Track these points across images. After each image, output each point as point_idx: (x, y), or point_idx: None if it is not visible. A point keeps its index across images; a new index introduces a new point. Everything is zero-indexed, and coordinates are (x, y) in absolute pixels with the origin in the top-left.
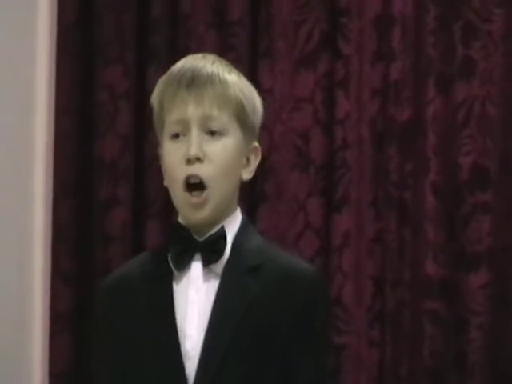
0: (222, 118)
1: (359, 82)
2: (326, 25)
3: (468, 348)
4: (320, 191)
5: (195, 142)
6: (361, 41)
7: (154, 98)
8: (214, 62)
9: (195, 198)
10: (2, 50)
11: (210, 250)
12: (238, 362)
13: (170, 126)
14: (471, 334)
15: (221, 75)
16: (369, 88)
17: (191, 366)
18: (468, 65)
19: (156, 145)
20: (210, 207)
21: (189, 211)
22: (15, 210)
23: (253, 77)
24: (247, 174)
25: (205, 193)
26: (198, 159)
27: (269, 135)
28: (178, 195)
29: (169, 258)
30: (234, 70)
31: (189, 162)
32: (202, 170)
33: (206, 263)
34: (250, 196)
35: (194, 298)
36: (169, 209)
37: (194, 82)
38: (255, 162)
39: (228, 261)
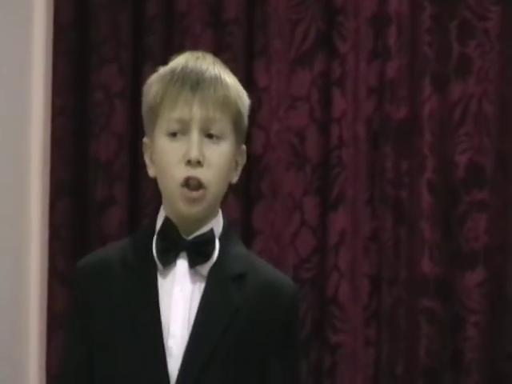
0: (222, 122)
1: (355, 81)
2: (322, 23)
3: (464, 346)
4: (316, 190)
5: (196, 144)
6: (357, 39)
7: (153, 92)
8: (214, 64)
9: (193, 192)
10: None
11: (197, 252)
12: (221, 366)
13: (169, 124)
14: (467, 333)
15: (223, 78)
16: (365, 87)
17: (174, 363)
18: (464, 63)
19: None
20: (205, 204)
21: (183, 204)
22: (11, 210)
23: (249, 76)
24: (235, 177)
25: (201, 190)
26: (199, 163)
27: (265, 134)
28: (173, 189)
29: (154, 251)
30: (228, 71)
31: (189, 163)
32: (202, 174)
33: (193, 264)
34: (246, 195)
35: (179, 296)
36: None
37: (199, 86)
38: (241, 164)
39: (215, 264)
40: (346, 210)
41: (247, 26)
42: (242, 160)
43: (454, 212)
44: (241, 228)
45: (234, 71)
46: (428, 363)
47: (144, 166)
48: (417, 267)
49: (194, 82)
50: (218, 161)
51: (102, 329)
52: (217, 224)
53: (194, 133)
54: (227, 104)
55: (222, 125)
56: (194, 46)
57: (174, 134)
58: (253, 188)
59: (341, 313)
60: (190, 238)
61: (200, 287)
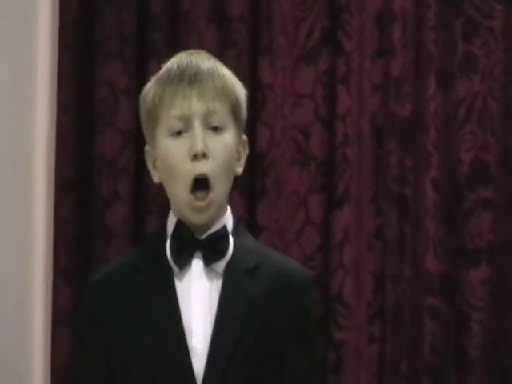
0: (222, 112)
1: (360, 78)
2: (327, 21)
3: (468, 344)
4: (320, 187)
5: (200, 137)
6: (362, 37)
7: (151, 96)
8: (209, 58)
9: (200, 202)
10: (3, 47)
11: (212, 249)
12: (245, 360)
13: (171, 123)
14: (472, 330)
15: (219, 69)
16: (370, 84)
17: (198, 363)
18: (469, 61)
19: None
20: (213, 209)
21: (192, 214)
22: (16, 207)
23: (253, 73)
24: (239, 168)
25: (209, 195)
26: (204, 155)
27: (269, 131)
28: (181, 195)
29: (168, 255)
30: (222, 65)
31: (195, 157)
32: (208, 167)
33: (208, 262)
34: (251, 192)
35: (198, 296)
36: (169, 205)
37: (197, 78)
38: (244, 155)
39: (229, 260)
40: (350, 207)
41: (252, 23)
42: (245, 151)
43: (458, 209)
44: (245, 225)
45: (239, 68)
46: (432, 360)
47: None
48: (421, 264)
49: (191, 76)
50: (221, 152)
51: (122, 338)
52: (228, 219)
53: (197, 126)
54: (225, 94)
55: (222, 115)
56: (199, 43)
57: (177, 133)
58: (257, 185)
59: (345, 310)
60: (204, 236)
61: (217, 284)
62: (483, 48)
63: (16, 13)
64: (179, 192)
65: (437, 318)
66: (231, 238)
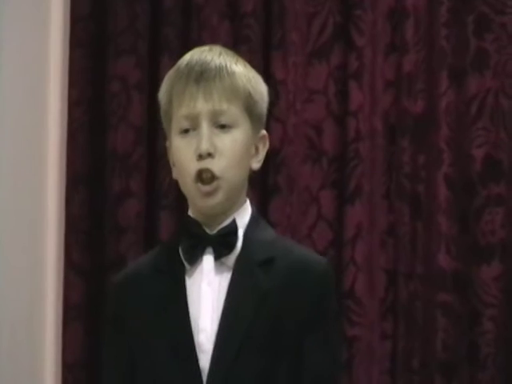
0: (231, 111)
1: (372, 74)
2: (340, 17)
3: (481, 340)
4: (333, 183)
5: (206, 136)
6: (374, 33)
7: (163, 93)
8: (220, 54)
9: (207, 186)
10: (16, 42)
11: (222, 244)
12: (252, 356)
13: (179, 122)
14: (484, 327)
15: (228, 67)
16: (382, 80)
17: (205, 358)
18: (481, 57)
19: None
20: (222, 194)
21: (200, 199)
22: (28, 202)
23: (266, 69)
24: (256, 163)
25: (215, 182)
26: (210, 155)
27: (282, 127)
28: (189, 186)
29: (180, 252)
30: (240, 60)
31: (200, 157)
32: (214, 165)
33: (218, 257)
34: (263, 188)
35: (207, 290)
36: (182, 200)
37: (203, 77)
38: (264, 150)
39: (240, 254)
40: (362, 203)
41: (264, 19)
42: (264, 146)
43: (470, 206)
44: None
45: (251, 64)
46: (444, 357)
47: (161, 157)
48: (433, 261)
49: (197, 74)
50: (230, 149)
51: (139, 337)
52: (242, 214)
53: (204, 126)
54: (235, 92)
55: (231, 113)
56: (212, 39)
57: (185, 131)
58: (270, 181)
59: (357, 306)
60: (214, 232)
61: (227, 278)
62: (495, 44)
63: (28, 8)
64: (188, 184)
65: (449, 315)
66: (240, 232)
